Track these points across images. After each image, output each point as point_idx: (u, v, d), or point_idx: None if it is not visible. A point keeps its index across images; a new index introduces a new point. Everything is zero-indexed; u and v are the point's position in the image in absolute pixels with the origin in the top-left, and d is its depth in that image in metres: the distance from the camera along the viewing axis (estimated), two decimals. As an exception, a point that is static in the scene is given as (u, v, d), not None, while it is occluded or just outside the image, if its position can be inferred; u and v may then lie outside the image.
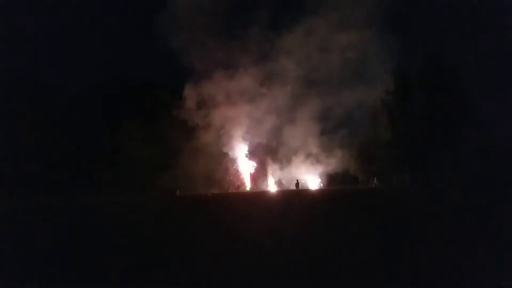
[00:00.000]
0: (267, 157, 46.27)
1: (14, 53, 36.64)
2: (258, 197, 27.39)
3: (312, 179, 47.05)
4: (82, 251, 8.07)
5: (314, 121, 43.51)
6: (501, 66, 26.18)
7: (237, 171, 46.01)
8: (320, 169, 46.47)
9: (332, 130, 42.75)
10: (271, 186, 45.75)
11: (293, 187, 44.64)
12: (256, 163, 46.42)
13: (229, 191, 42.72)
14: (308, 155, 45.70)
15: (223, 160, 45.63)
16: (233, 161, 45.89)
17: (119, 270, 6.22)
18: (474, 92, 28.09)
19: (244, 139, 46.07)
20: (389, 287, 4.85)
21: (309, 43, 42.59)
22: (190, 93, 43.51)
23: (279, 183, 46.90)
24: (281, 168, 46.61)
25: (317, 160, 45.83)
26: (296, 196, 27.00)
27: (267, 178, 46.33)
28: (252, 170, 46.29)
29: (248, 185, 45.82)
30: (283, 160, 46.58)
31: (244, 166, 46.18)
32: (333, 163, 44.92)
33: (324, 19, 40.49)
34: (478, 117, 28.55)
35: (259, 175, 46.40)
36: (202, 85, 44.10)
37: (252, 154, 46.13)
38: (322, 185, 46.48)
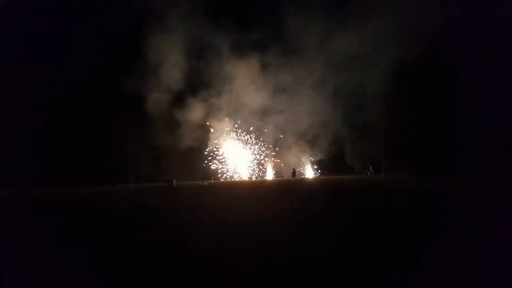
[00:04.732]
0: (263, 146, 46.36)
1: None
2: (255, 187, 27.48)
3: (308, 168, 47.40)
4: (80, 242, 8.03)
5: (311, 109, 43.35)
6: (501, 60, 25.95)
7: (228, 161, 45.86)
8: (316, 157, 46.79)
9: (328, 119, 42.65)
10: (268, 175, 45.99)
11: (289, 176, 45.04)
12: (253, 152, 46.47)
13: (225, 181, 42.81)
14: (304, 144, 45.83)
15: (211, 151, 45.38)
16: (225, 152, 45.66)
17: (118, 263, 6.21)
18: (472, 85, 27.91)
19: (235, 128, 45.87)
20: (388, 284, 4.89)
21: (304, 34, 41.98)
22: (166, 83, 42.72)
23: (275, 172, 47.16)
24: (278, 157, 46.79)
25: (313, 149, 46.04)
26: (293, 185, 27.15)
27: (265, 167, 46.51)
28: (249, 160, 46.35)
29: (243, 175, 45.95)
30: (280, 149, 46.70)
31: (239, 156, 46.10)
32: (329, 152, 45.20)
33: (319, 9, 39.87)
34: (476, 110, 28.46)
35: (256, 164, 46.54)
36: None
37: (247, 144, 46.10)
38: (318, 174, 46.88)
